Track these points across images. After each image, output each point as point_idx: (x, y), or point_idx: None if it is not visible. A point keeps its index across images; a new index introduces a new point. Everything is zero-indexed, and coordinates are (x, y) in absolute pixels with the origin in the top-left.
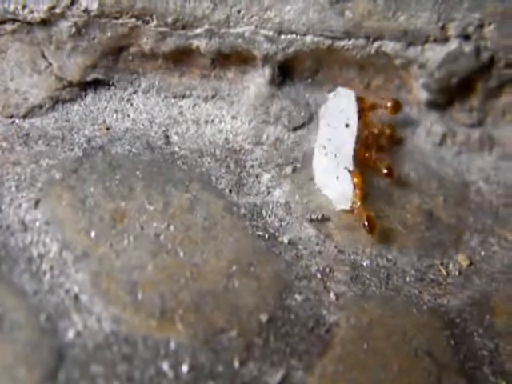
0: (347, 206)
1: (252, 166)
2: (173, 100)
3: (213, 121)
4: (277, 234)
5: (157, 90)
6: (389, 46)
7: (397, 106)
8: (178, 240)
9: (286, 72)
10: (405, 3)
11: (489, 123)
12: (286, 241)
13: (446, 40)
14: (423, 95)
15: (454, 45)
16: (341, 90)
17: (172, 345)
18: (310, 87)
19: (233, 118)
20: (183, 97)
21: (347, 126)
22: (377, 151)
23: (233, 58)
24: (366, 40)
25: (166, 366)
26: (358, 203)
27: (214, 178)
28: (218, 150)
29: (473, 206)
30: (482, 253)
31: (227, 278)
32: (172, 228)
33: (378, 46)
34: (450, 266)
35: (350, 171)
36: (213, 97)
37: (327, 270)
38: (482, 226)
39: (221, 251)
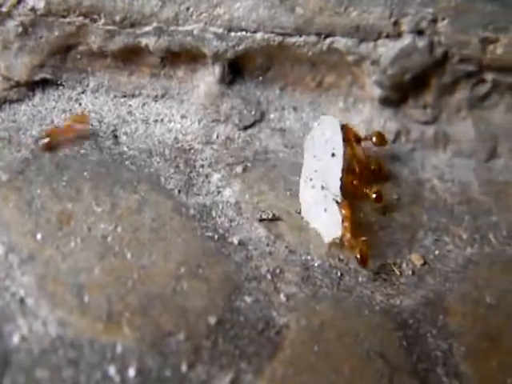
0: (337, 240)
1: (202, 166)
2: (122, 99)
3: (162, 120)
4: (226, 234)
5: (106, 90)
6: (341, 43)
7: (381, 139)
8: (126, 242)
9: (236, 70)
10: None
11: (443, 120)
12: (235, 241)
13: (398, 36)
14: (376, 92)
15: (407, 40)
16: (325, 118)
17: (119, 348)
18: (260, 85)
19: (182, 117)
20: (132, 96)
21: (333, 155)
22: (364, 179)
23: (182, 57)
24: (318, 36)
25: (112, 371)
26: (348, 235)
27: (162, 179)
28: (168, 149)
29: (427, 204)
30: (436, 252)
31: (175, 280)
32: (120, 229)
33: (330, 43)
34: (404, 265)
35: (338, 203)
36: (162, 96)
37: (278, 270)
38: (436, 225)
39: (169, 253)
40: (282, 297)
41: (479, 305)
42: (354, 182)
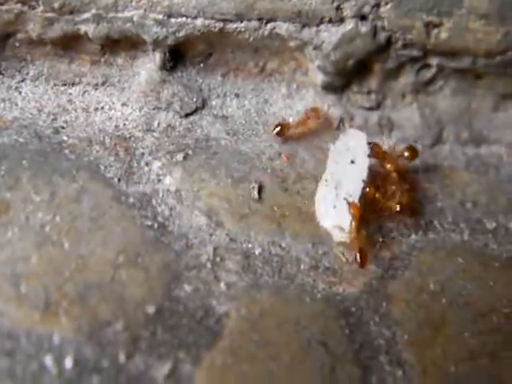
0: (343, 238)
1: (142, 154)
2: (62, 88)
3: (103, 108)
4: (166, 223)
5: (46, 78)
6: (283, 28)
7: (414, 154)
8: (64, 231)
9: (177, 57)
10: None
11: (388, 105)
12: (175, 230)
13: (341, 21)
14: (319, 78)
15: (349, 25)
16: (351, 130)
17: (56, 339)
18: (202, 72)
19: (123, 104)
20: (73, 84)
21: (352, 162)
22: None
23: (122, 44)
24: (259, 22)
25: (49, 361)
26: (353, 235)
27: (102, 167)
28: (108, 137)
29: None
30: (380, 239)
31: (114, 269)
32: (58, 218)
33: (272, 28)
34: (346, 253)
35: (348, 202)
36: (103, 83)
37: (218, 259)
38: None
39: (108, 242)
40: (222, 285)
41: (423, 292)
42: (377, 196)
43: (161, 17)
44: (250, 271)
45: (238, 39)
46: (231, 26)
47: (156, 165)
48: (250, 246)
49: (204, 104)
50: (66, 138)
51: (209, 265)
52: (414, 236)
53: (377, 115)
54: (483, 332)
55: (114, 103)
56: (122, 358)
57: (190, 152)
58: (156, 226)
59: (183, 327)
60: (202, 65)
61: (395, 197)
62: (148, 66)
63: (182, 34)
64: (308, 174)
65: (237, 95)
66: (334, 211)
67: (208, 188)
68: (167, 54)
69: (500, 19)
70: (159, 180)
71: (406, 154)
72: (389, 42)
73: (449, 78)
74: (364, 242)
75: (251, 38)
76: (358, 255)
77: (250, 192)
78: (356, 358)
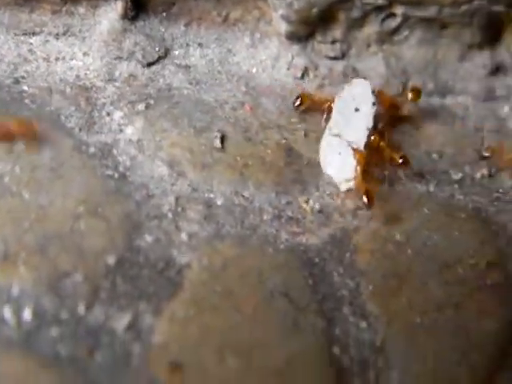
0: (349, 185)
1: (104, 104)
2: (22, 37)
3: (64, 58)
4: (128, 173)
5: (6, 28)
6: None
7: (417, 94)
8: (24, 181)
9: (139, 6)
10: None
11: (352, 55)
12: (137, 180)
13: None
14: (283, 27)
15: None
16: (356, 80)
17: (15, 290)
18: (165, 21)
19: (84, 54)
20: (33, 34)
21: (357, 110)
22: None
23: None
24: None
25: (7, 313)
26: (359, 179)
27: (63, 117)
28: (69, 87)
29: None
30: (344, 188)
31: (74, 219)
32: (17, 169)
33: None
34: (311, 202)
35: (353, 148)
36: (64, 33)
37: (179, 209)
38: None
39: (68, 192)
40: (184, 236)
41: (388, 242)
42: (381, 144)
43: None
44: (212, 221)
45: None
46: None
47: (117, 115)
48: (212, 195)
49: (166, 53)
50: (26, 88)
51: (170, 215)
52: (380, 186)
53: (341, 65)
54: (449, 283)
55: (75, 53)
56: (81, 309)
57: (152, 102)
58: (117, 176)
59: (144, 278)
60: (164, 14)
61: (399, 148)
62: (110, 15)
63: None
64: (271, 123)
65: (200, 45)
66: (339, 158)
67: (170, 138)
68: (129, 3)
69: None
70: (120, 130)
71: (410, 95)
72: None
73: (414, 28)
74: (370, 185)
75: None
76: (364, 197)
77: (212, 142)
78: (319, 309)
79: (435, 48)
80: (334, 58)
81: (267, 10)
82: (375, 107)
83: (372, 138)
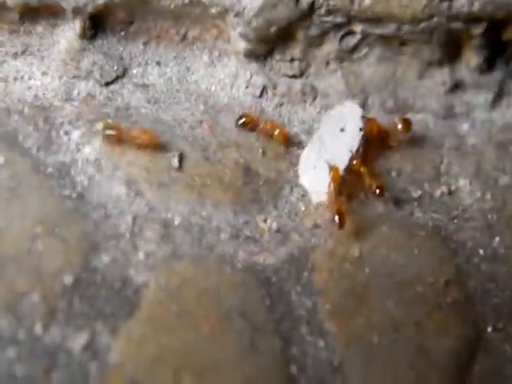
0: (321, 199)
1: (62, 123)
2: None
3: (22, 77)
4: (85, 192)
5: None
6: None
7: (407, 126)
8: None
9: (97, 25)
10: None
11: (311, 73)
12: (94, 200)
13: None
14: (241, 45)
15: None
16: (348, 102)
17: None
18: (123, 40)
19: (43, 74)
20: None
21: (342, 130)
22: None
23: (42, 12)
24: None
25: None
26: (332, 196)
27: (21, 137)
28: (27, 107)
29: (293, 159)
30: (303, 208)
31: (31, 239)
32: None
33: None
34: (269, 222)
35: (329, 165)
36: (22, 52)
37: (137, 228)
38: None
39: (25, 212)
40: (141, 255)
41: (346, 261)
42: (362, 169)
43: None
44: (170, 241)
45: (159, 6)
46: None
47: (75, 134)
48: (169, 215)
49: (125, 72)
50: None
51: (127, 234)
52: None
53: (300, 83)
54: (407, 301)
55: (33, 72)
56: (38, 329)
57: (110, 121)
58: (74, 195)
59: (101, 298)
60: (122, 33)
61: (378, 178)
62: (68, 34)
63: (101, 1)
64: (230, 142)
65: (158, 63)
66: (314, 172)
67: (127, 157)
68: (87, 22)
69: None
70: (78, 149)
71: (400, 126)
72: (312, 8)
73: (373, 45)
74: (342, 205)
75: (172, 5)
76: (336, 217)
77: (170, 161)
78: (276, 329)
79: (395, 65)
80: (293, 77)
81: (226, 29)
82: (362, 132)
83: (354, 161)
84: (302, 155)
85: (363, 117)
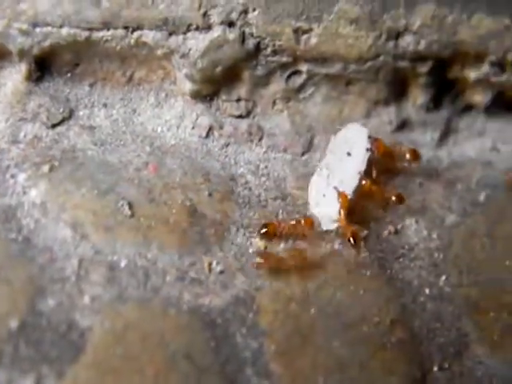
0: (333, 225)
1: (8, 166)
2: None
3: None
4: (31, 236)
5: None
6: (149, 36)
7: (416, 156)
8: None
9: (44, 67)
10: None
11: (258, 113)
12: (40, 243)
13: (208, 27)
14: (187, 86)
15: (217, 32)
16: (353, 124)
17: None
18: (69, 82)
19: None
20: None
21: (349, 154)
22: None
23: None
24: (126, 30)
25: None
26: (342, 223)
27: None
28: None
29: (240, 200)
30: (250, 250)
31: None
32: None
33: (138, 36)
34: (214, 263)
35: (338, 191)
36: None
37: (82, 272)
38: (248, 221)
39: None
40: (87, 299)
41: (291, 301)
42: (373, 188)
43: (26, 26)
44: (115, 284)
45: (104, 48)
46: (97, 35)
47: (21, 177)
48: (115, 258)
49: (71, 114)
50: None
51: (73, 278)
52: (282, 245)
53: (246, 123)
54: (353, 342)
55: None
56: None
57: (57, 163)
58: (20, 239)
59: (46, 342)
60: (69, 75)
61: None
62: (14, 76)
63: (47, 43)
64: (176, 184)
65: (105, 105)
66: (324, 199)
67: (73, 200)
68: (33, 65)
69: (370, 23)
70: (24, 192)
71: (408, 156)
72: (258, 48)
73: (320, 85)
74: (352, 227)
75: (118, 47)
76: (351, 239)
77: (116, 203)
78: (222, 371)
79: (341, 104)
80: (239, 117)
81: (171, 70)
82: (369, 153)
83: (363, 182)
84: (310, 184)
85: (370, 137)
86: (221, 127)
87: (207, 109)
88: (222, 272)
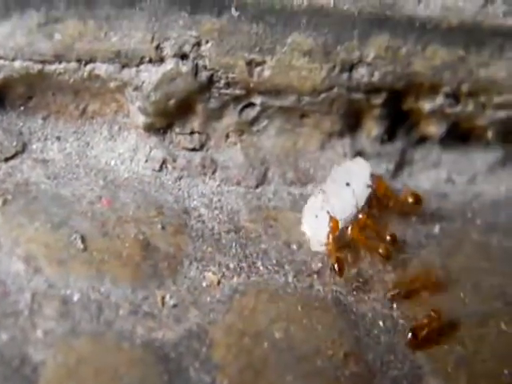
0: (320, 248)
1: None
2: None
3: None
4: None
5: None
6: (102, 69)
7: (419, 200)
8: None
9: None
10: (117, 23)
11: (211, 146)
12: None
13: (161, 60)
14: (140, 119)
15: (170, 65)
16: (358, 159)
17: None
18: (22, 115)
19: None
20: None
21: (347, 184)
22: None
23: None
24: (78, 63)
25: None
26: (330, 246)
27: None
28: None
29: (193, 233)
30: (204, 284)
31: None
32: None
33: (91, 69)
34: (167, 297)
35: (330, 215)
36: None
37: (35, 305)
38: (202, 254)
39: None
40: (39, 333)
41: (245, 336)
42: (368, 222)
43: None
44: (68, 318)
45: (57, 81)
46: (50, 68)
47: None
48: (68, 292)
49: (24, 148)
50: None
51: (26, 312)
52: (236, 279)
53: (200, 156)
54: (306, 375)
55: None
56: None
57: (10, 197)
58: None
59: None
60: (22, 108)
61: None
62: None
63: (0, 76)
64: (129, 217)
65: (58, 138)
66: (315, 220)
67: (27, 233)
68: None
69: (324, 55)
70: None
71: (411, 199)
72: (211, 81)
73: (273, 117)
74: (339, 253)
75: (71, 80)
76: (335, 265)
77: (69, 237)
78: None
79: (295, 137)
80: (193, 150)
81: (124, 103)
82: (369, 189)
83: (360, 215)
84: (306, 204)
85: (372, 174)
86: (174, 160)
87: (161, 142)
88: (175, 306)
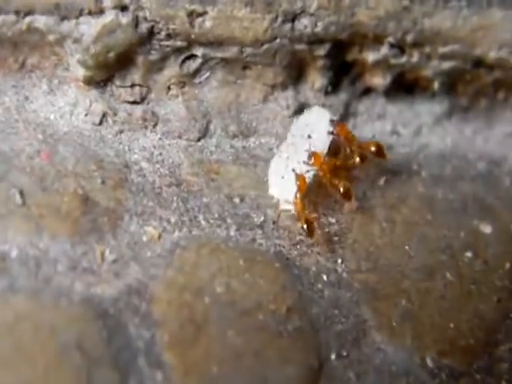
0: (288, 207)
1: None
2: None
3: None
4: None
5: None
6: (41, 21)
7: (381, 152)
8: None
9: None
10: None
11: (152, 99)
12: None
13: (101, 12)
14: (80, 72)
15: (109, 17)
16: (315, 108)
17: None
18: None
19: None
20: None
21: (309, 137)
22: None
23: None
24: (17, 15)
25: None
26: (298, 206)
27: None
28: None
29: (134, 187)
30: (144, 238)
31: None
32: None
33: (30, 22)
34: (107, 252)
35: (295, 173)
36: None
37: None
38: (142, 209)
39: None
40: None
41: (185, 291)
42: (337, 163)
43: None
44: (6, 274)
45: None
46: None
47: None
48: (6, 247)
49: None
50: None
51: None
52: (177, 233)
53: (141, 109)
54: (248, 330)
55: None
56: None
57: None
58: None
59: None
60: None
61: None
62: None
63: None
64: (68, 171)
65: None
66: (282, 181)
67: None
68: None
69: (266, 6)
70: None
71: (373, 148)
72: (151, 32)
73: (215, 69)
74: (307, 213)
75: (10, 33)
76: (304, 226)
77: (7, 192)
78: (114, 362)
79: (238, 89)
80: (134, 103)
81: (64, 56)
82: (331, 136)
83: (323, 166)
84: (270, 165)
85: (332, 120)
86: (115, 114)
87: (101, 95)
88: (114, 261)
